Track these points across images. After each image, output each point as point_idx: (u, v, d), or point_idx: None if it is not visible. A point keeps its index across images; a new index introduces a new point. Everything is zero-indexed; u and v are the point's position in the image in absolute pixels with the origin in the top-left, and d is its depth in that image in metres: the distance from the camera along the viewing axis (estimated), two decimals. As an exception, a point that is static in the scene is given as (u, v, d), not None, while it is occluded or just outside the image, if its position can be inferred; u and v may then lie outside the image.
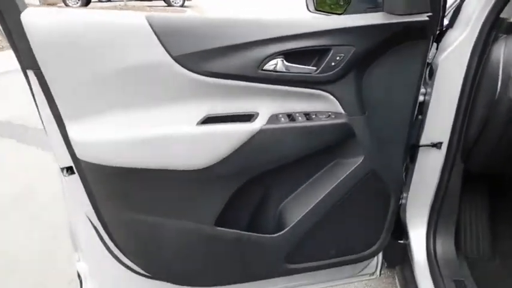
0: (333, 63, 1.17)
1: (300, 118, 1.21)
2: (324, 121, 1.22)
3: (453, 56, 1.35)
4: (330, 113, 1.25)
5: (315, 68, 1.18)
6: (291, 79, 1.18)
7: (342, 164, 1.34)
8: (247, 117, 1.21)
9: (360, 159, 1.31)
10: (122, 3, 14.28)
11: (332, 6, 1.58)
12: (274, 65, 1.15)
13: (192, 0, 15.76)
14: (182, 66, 1.10)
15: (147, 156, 1.13)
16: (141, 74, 1.08)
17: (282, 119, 1.20)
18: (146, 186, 1.20)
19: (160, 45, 1.07)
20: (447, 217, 1.65)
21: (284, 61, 1.16)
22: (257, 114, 1.21)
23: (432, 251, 1.69)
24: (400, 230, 1.74)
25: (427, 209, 1.66)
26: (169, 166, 1.16)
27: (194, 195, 1.25)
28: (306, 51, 1.16)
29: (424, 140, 1.50)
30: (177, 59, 1.09)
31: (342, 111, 1.25)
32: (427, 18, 1.15)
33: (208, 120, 1.18)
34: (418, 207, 1.66)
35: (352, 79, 1.22)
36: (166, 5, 15.34)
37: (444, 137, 1.49)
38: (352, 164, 1.32)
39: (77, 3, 14.16)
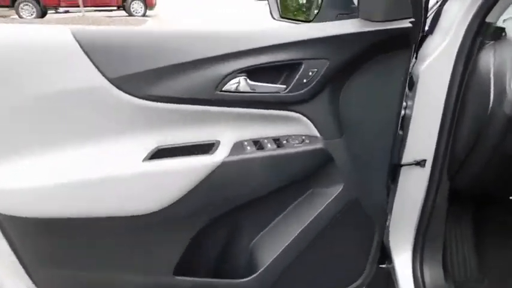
0: (304, 80, 1.00)
1: (269, 145, 1.02)
2: (297, 147, 1.04)
3: (435, 66, 1.21)
4: (303, 137, 1.07)
5: (284, 86, 1.00)
6: (257, 100, 0.99)
7: (319, 194, 1.16)
8: (207, 148, 1.01)
9: (339, 188, 1.14)
10: (80, 14, 13.77)
11: (299, 12, 1.42)
12: (236, 85, 0.96)
13: (154, 9, 15.42)
14: (122, 90, 0.89)
15: (83, 204, 0.91)
16: (70, 101, 0.87)
17: (248, 147, 1.01)
18: (86, 239, 0.98)
19: (92, 65, 0.86)
20: (433, 239, 1.50)
21: (247, 79, 0.97)
22: (218, 143, 1.02)
23: (419, 276, 1.54)
24: (383, 254, 1.58)
25: (412, 232, 1.50)
26: (113, 213, 0.94)
27: (146, 243, 1.03)
28: (272, 67, 0.98)
29: (406, 158, 1.35)
30: (115, 82, 0.88)
31: (317, 134, 1.08)
32: (410, 25, 1.00)
33: (159, 153, 0.97)
34: (402, 230, 1.50)
35: (327, 97, 1.05)
36: (127, 15, 14.93)
37: (428, 154, 1.34)
38: (331, 194, 1.14)
39: (32, 15, 13.52)
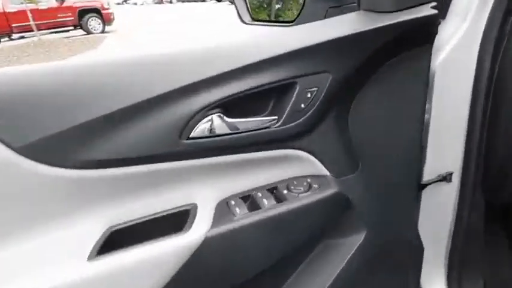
0: (302, 105, 0.72)
1: (265, 201, 0.74)
2: (303, 198, 0.75)
3: (454, 58, 0.94)
4: (308, 180, 0.79)
5: (274, 117, 0.72)
6: (240, 143, 0.71)
7: (335, 246, 0.88)
8: (180, 218, 0.72)
9: (361, 235, 0.86)
10: (35, 38, 13.14)
11: (278, 12, 1.12)
12: (208, 126, 0.68)
13: (112, 24, 14.87)
14: (39, 161, 0.59)
15: None
16: None
17: (237, 208, 0.72)
18: None
19: None
20: (471, 267, 1.24)
21: (223, 116, 0.68)
22: (194, 208, 0.73)
23: None
24: None
25: (443, 261, 1.24)
26: None
27: None
28: (256, 94, 0.70)
29: (428, 174, 1.08)
30: (25, 152, 0.58)
31: (326, 172, 0.80)
32: (434, 11, 0.73)
33: (113, 239, 0.67)
34: (432, 261, 1.23)
35: (333, 122, 0.77)
36: (85, 33, 14.35)
37: (454, 166, 1.08)
38: (352, 244, 0.87)
39: (-18, 45, 12.80)
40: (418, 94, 0.85)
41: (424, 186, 1.05)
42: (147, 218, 0.70)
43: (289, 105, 0.71)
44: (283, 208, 0.73)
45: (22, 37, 14.38)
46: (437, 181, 1.06)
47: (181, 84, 0.65)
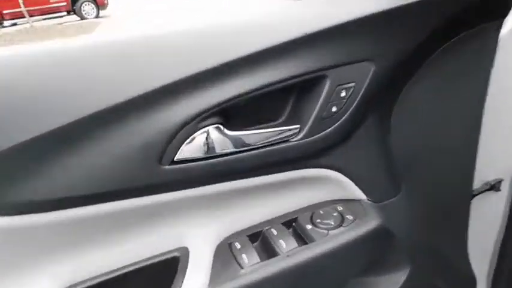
0: (334, 108, 0.51)
1: (282, 242, 0.53)
2: (335, 237, 0.55)
3: None
4: (339, 210, 0.59)
5: (295, 126, 0.51)
6: (248, 164, 0.50)
7: (371, 284, 0.67)
8: (166, 270, 0.51)
9: (404, 273, 0.66)
10: (27, 25, 12.79)
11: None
12: (203, 140, 0.47)
13: (106, 9, 14.47)
14: None
15: None
16: None
17: (244, 255, 0.52)
18: None
19: None
20: None
21: (223, 128, 0.47)
22: (185, 253, 0.53)
23: None
24: None
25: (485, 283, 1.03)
26: None
27: None
28: (268, 96, 0.48)
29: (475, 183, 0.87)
30: None
31: (362, 196, 0.59)
32: None
33: None
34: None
35: (373, 129, 0.57)
36: (79, 19, 13.96)
37: (505, 171, 0.87)
38: (393, 285, 0.66)
39: (-26, 33, 12.43)
40: (479, 86, 0.63)
41: (473, 196, 0.84)
42: (119, 273, 0.50)
43: (316, 109, 0.50)
44: (308, 254, 0.52)
45: (14, 24, 14.02)
46: (484, 191, 0.85)
47: (160, 84, 0.43)
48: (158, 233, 0.52)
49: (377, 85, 0.52)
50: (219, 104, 0.46)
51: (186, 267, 0.50)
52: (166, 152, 0.45)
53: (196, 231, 0.54)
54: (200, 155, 0.47)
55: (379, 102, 0.55)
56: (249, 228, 0.57)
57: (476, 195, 0.82)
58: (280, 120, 0.53)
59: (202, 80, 0.45)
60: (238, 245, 0.53)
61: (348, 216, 0.57)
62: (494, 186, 0.85)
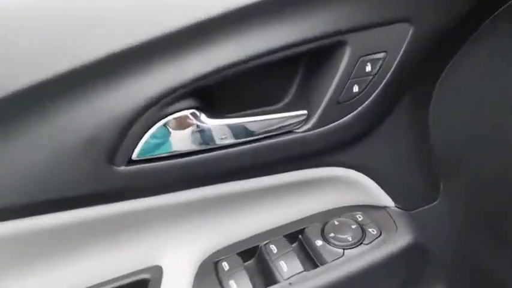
0: (355, 87, 0.37)
1: (282, 264, 0.40)
2: (354, 259, 0.42)
3: None
4: (359, 218, 0.46)
5: (302, 112, 0.37)
6: (236, 163, 0.37)
7: None
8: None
9: None
10: None
11: None
12: (174, 134, 0.33)
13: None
14: None
15: None
16: None
17: (232, 281, 0.39)
18: None
19: None
20: None
21: (200, 114, 0.34)
22: (158, 273, 0.40)
23: None
24: None
25: None
26: None
27: None
28: (264, 69, 0.35)
29: None
30: None
31: (389, 202, 0.46)
32: None
33: None
34: None
35: (408, 116, 0.43)
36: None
37: None
38: None
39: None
40: None
41: None
42: None
43: (330, 90, 0.37)
44: (316, 282, 0.39)
45: None
46: None
47: (107, 52, 0.30)
48: (124, 250, 0.40)
49: (415, 58, 0.38)
50: (194, 80, 0.33)
51: None
52: (120, 148, 0.32)
53: (173, 246, 0.42)
54: (168, 151, 0.34)
55: (416, 82, 0.41)
56: (242, 242, 0.44)
57: None
58: (282, 104, 0.40)
59: (171, 46, 0.32)
60: (226, 266, 0.41)
61: (370, 230, 0.44)
62: None
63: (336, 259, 0.41)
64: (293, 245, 0.44)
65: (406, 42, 0.37)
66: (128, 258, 0.40)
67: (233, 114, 0.37)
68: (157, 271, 0.41)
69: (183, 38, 0.32)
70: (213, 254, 0.43)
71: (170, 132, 0.34)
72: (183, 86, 0.32)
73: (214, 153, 0.35)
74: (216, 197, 0.41)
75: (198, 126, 0.34)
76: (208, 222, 0.43)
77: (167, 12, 0.32)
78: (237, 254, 0.42)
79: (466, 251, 0.54)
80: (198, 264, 0.42)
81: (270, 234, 0.45)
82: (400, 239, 0.44)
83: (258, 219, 0.45)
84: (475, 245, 0.54)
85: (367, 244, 0.43)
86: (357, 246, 0.42)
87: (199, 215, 0.42)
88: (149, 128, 0.33)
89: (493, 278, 0.59)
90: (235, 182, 0.41)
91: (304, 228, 0.45)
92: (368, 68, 0.37)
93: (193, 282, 0.40)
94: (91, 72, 0.30)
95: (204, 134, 0.35)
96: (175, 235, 0.42)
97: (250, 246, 0.43)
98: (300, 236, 0.45)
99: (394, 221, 0.46)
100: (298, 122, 0.38)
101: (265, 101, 0.39)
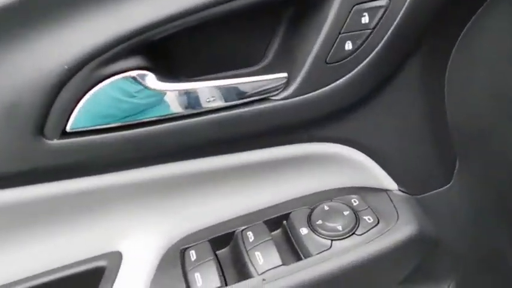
0: (348, 44, 0.30)
1: (258, 256, 0.34)
2: (346, 252, 0.35)
3: None
4: (354, 203, 0.39)
5: (281, 75, 0.30)
6: (199, 136, 0.30)
7: None
8: (87, 280, 0.34)
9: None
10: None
11: None
12: (120, 99, 0.27)
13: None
14: None
15: None
16: None
17: (198, 274, 0.34)
18: None
19: None
20: None
21: (151, 75, 0.27)
22: (115, 260, 0.35)
23: None
24: None
25: None
26: None
27: None
28: (233, 17, 0.28)
29: None
30: None
31: (392, 184, 0.39)
32: None
33: None
34: None
35: (417, 83, 0.35)
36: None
37: None
38: None
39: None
40: None
41: None
42: None
43: (316, 47, 0.29)
44: (294, 279, 0.33)
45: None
46: None
47: None
48: (77, 234, 0.35)
49: (425, 8, 0.30)
50: (140, 31, 0.26)
51: (113, 281, 0.33)
52: (49, 118, 0.27)
53: (135, 230, 0.37)
54: (111, 122, 0.28)
55: (427, 41, 0.33)
56: (216, 227, 0.38)
57: None
58: (260, 67, 0.33)
59: None
60: (193, 255, 0.35)
61: (366, 218, 0.37)
62: None
63: (322, 252, 0.35)
64: (274, 233, 0.38)
65: None
66: (82, 243, 0.35)
67: (196, 78, 0.30)
68: (116, 258, 0.36)
69: None
70: (182, 239, 0.38)
71: (114, 98, 0.28)
72: (125, 39, 0.26)
73: (168, 124, 0.29)
74: (184, 175, 0.35)
75: (148, 90, 0.28)
76: (177, 203, 0.37)
77: None
78: (209, 240, 0.37)
79: (482, 240, 0.47)
80: (163, 252, 0.37)
81: (249, 218, 0.39)
82: (402, 229, 0.37)
83: (236, 201, 0.39)
84: (491, 233, 0.47)
85: (360, 235, 0.36)
86: (348, 237, 0.36)
87: (165, 195, 0.36)
88: (85, 93, 0.27)
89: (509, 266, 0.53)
90: (207, 158, 0.34)
91: (289, 213, 0.38)
92: (365, 20, 0.29)
93: (155, 273, 0.35)
94: (3, 21, 0.24)
95: (155, 101, 0.28)
96: (138, 217, 0.36)
97: (225, 232, 0.37)
98: (284, 222, 0.38)
99: (396, 207, 0.39)
100: (275, 87, 0.31)
101: (239, 62, 0.32)
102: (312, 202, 0.39)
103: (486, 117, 0.39)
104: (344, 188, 0.41)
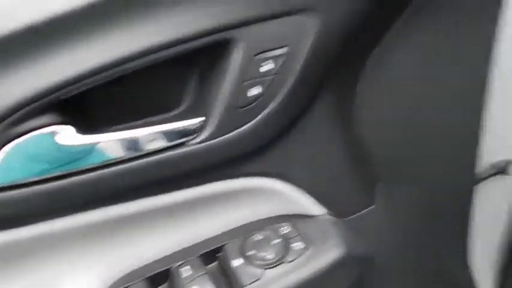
0: (256, 90, 0.32)
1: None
2: (277, 278, 0.37)
3: None
4: (284, 231, 0.41)
5: (198, 121, 0.32)
6: (108, 184, 0.32)
7: None
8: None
9: None
10: None
11: None
12: (34, 154, 0.29)
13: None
14: None
15: None
16: None
17: None
18: None
19: None
20: None
21: (67, 129, 0.29)
22: None
23: None
24: None
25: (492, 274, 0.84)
26: None
27: None
28: (148, 71, 0.30)
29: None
30: None
31: (321, 209, 0.42)
32: None
33: None
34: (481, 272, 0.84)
35: (328, 113, 0.38)
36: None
37: None
38: None
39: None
40: (481, 47, 0.43)
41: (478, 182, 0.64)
42: None
43: (225, 92, 0.32)
44: None
45: None
46: (490, 176, 0.64)
47: None
48: (12, 284, 0.36)
49: (326, 51, 0.33)
50: (52, 90, 0.28)
51: None
52: None
53: (70, 275, 0.37)
54: (28, 176, 0.29)
55: (332, 77, 0.36)
56: (152, 264, 0.39)
57: (480, 181, 0.61)
58: (177, 111, 0.35)
59: (17, 46, 0.27)
60: None
61: (294, 245, 0.39)
62: (503, 169, 0.64)
63: (254, 281, 0.37)
64: (210, 266, 0.40)
65: (313, 34, 0.32)
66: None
67: (116, 127, 0.32)
68: None
69: (34, 36, 0.27)
70: (118, 280, 0.39)
71: (31, 154, 0.29)
72: (31, 101, 0.27)
73: (88, 174, 0.31)
74: (116, 218, 0.36)
75: (64, 144, 0.29)
76: (112, 245, 0.38)
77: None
78: (146, 279, 0.38)
79: (414, 255, 0.50)
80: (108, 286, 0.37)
81: (185, 253, 0.40)
82: (331, 252, 0.40)
83: (172, 239, 0.41)
84: (422, 248, 0.50)
85: (290, 261, 0.38)
86: (279, 264, 0.38)
87: (99, 238, 0.37)
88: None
89: (449, 279, 0.55)
90: (137, 200, 0.36)
91: (223, 245, 0.40)
92: (268, 67, 0.32)
93: None
94: None
95: (73, 154, 0.30)
96: (72, 263, 0.37)
97: (161, 270, 0.39)
98: (218, 255, 0.40)
99: (324, 232, 0.41)
100: (192, 130, 0.33)
101: (158, 108, 0.34)
102: (245, 233, 0.41)
103: (399, 139, 0.43)
104: (277, 217, 0.43)
